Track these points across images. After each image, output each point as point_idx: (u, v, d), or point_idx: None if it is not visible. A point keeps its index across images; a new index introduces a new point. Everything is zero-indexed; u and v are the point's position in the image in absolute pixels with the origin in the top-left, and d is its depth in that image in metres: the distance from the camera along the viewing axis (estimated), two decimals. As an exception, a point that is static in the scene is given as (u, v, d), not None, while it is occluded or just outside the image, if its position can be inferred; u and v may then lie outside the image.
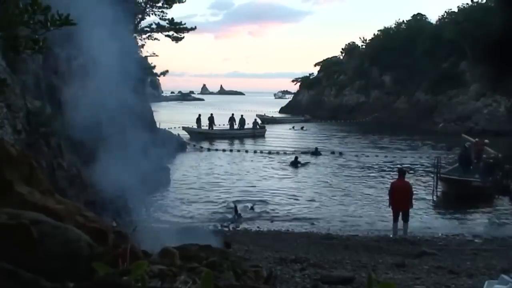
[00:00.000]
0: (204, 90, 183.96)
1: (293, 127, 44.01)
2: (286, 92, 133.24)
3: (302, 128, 43.62)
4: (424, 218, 13.63)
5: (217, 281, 1.88)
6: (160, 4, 25.84)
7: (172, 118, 40.36)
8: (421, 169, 21.94)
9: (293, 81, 77.52)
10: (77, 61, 7.95)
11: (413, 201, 12.07)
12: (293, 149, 27.70)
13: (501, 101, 40.14)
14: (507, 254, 9.35)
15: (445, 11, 51.68)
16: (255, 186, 17.75)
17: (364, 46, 62.13)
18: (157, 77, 39.54)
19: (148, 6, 25.72)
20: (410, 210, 11.73)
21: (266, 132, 36.93)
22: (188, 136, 32.66)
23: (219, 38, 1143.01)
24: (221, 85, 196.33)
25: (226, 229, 12.04)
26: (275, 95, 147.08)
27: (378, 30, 60.48)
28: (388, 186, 12.88)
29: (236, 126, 36.57)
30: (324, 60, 69.97)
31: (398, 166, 20.09)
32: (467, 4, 46.53)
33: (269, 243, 10.00)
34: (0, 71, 7.13)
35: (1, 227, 1.85)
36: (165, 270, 1.83)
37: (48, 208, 2.35)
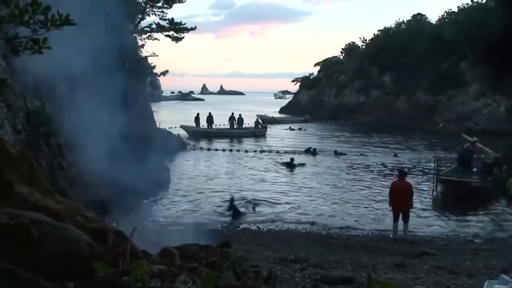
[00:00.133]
0: (204, 90, 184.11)
1: (290, 128, 44.03)
2: (286, 92, 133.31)
3: (299, 128, 43.63)
4: (424, 218, 13.62)
5: (217, 281, 1.88)
6: (160, 4, 25.78)
7: (172, 118, 40.35)
8: (421, 169, 21.95)
9: (293, 81, 77.73)
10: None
11: (413, 201, 12.08)
12: (293, 149, 27.73)
13: (501, 101, 40.14)
14: (507, 254, 9.36)
15: (445, 11, 51.84)
16: (254, 186, 17.75)
17: (364, 46, 62.19)
18: (157, 77, 39.45)
19: (148, 6, 25.66)
20: (410, 210, 11.75)
21: (267, 132, 37.10)
22: (187, 135, 32.77)
23: (220, 38, 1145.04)
24: (221, 85, 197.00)
25: (226, 229, 12.05)
26: (275, 95, 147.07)
27: (378, 30, 60.74)
28: (388, 186, 12.89)
29: (235, 126, 37.13)
30: (324, 60, 70.04)
31: (398, 166, 20.10)
32: (467, 4, 46.65)
33: (269, 243, 10.00)
34: (0, 71, 7.14)
35: (1, 227, 1.85)
36: (165, 270, 1.83)
37: (48, 208, 2.35)
